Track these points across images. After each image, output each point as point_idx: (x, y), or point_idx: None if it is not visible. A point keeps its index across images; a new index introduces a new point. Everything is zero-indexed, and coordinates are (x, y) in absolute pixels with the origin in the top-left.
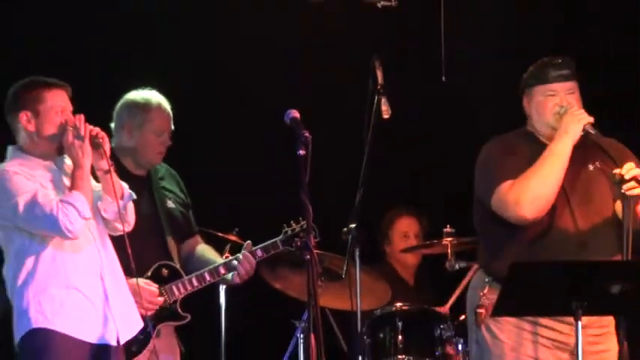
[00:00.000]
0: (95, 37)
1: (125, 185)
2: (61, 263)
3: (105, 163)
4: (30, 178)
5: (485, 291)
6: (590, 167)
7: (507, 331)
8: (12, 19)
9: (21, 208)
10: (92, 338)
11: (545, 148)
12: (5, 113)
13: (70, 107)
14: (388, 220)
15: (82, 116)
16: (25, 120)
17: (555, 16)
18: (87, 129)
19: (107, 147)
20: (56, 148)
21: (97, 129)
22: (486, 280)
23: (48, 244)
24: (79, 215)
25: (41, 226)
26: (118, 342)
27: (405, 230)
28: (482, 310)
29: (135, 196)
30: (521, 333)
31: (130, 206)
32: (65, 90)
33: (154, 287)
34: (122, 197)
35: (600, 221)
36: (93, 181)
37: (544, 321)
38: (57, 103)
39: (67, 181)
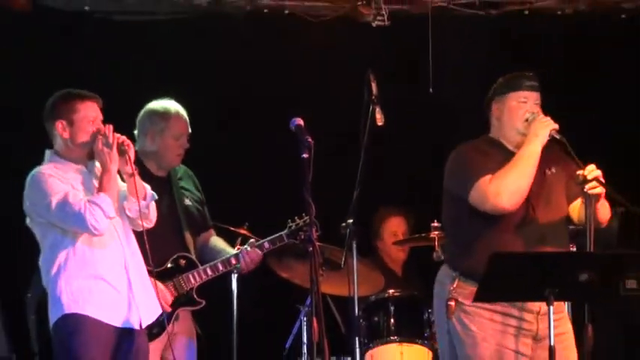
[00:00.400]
0: (111, 51)
1: (148, 187)
2: (89, 257)
3: (129, 168)
4: (63, 180)
5: (455, 285)
6: (548, 172)
7: (477, 322)
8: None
9: (54, 206)
10: (118, 322)
11: (510, 154)
12: (44, 121)
13: (100, 117)
14: (379, 219)
15: (111, 126)
16: (60, 128)
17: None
18: (114, 137)
19: (132, 153)
20: (87, 153)
21: (124, 137)
22: (454, 274)
23: (78, 239)
24: (105, 215)
25: (71, 223)
26: (140, 325)
27: (394, 230)
28: (452, 303)
29: (157, 197)
30: (490, 324)
31: (153, 205)
32: (96, 101)
33: (168, 295)
34: (145, 198)
35: (557, 219)
36: (120, 182)
37: (510, 311)
38: (89, 113)
39: (96, 183)
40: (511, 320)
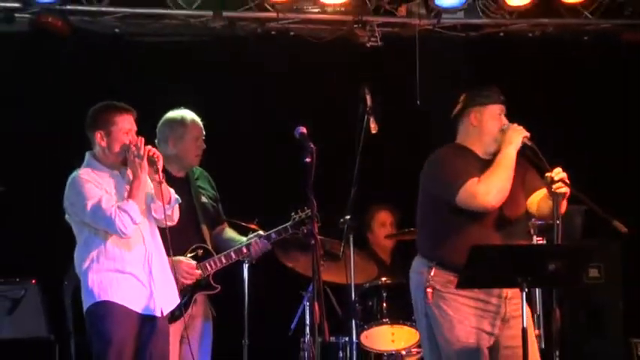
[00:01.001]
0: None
1: (172, 191)
2: (117, 254)
3: (158, 177)
4: (98, 185)
5: (432, 273)
6: None
7: (453, 307)
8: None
9: (88, 209)
10: (141, 310)
11: (481, 161)
12: (85, 128)
13: (134, 128)
14: (369, 214)
15: (142, 139)
16: (99, 137)
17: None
18: (145, 149)
19: (160, 164)
20: (122, 160)
21: (154, 149)
22: (430, 264)
23: (108, 239)
24: (132, 221)
25: (102, 225)
26: (161, 313)
27: (382, 220)
28: (430, 290)
29: (180, 201)
30: (463, 308)
31: (176, 207)
32: (132, 114)
33: (192, 262)
34: (170, 201)
35: (519, 214)
36: (149, 183)
37: (481, 296)
38: (125, 125)
39: (128, 188)
40: (482, 304)
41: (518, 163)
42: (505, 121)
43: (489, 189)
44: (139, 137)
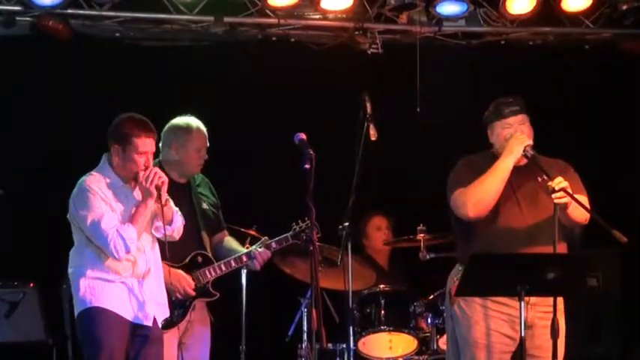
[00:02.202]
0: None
1: (176, 210)
2: (112, 264)
3: (160, 201)
4: (104, 199)
5: (459, 276)
6: (539, 179)
7: (473, 308)
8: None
9: (88, 223)
10: (131, 318)
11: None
12: (107, 136)
13: (152, 150)
14: (363, 220)
15: (156, 169)
16: (115, 150)
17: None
18: (155, 178)
19: (164, 189)
20: (133, 176)
21: (164, 178)
22: (460, 268)
23: (103, 250)
24: (126, 249)
25: (97, 243)
26: (154, 322)
27: (378, 224)
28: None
29: (184, 221)
30: (483, 310)
31: (180, 226)
32: (153, 136)
33: (191, 282)
34: (171, 222)
35: (545, 218)
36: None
37: (502, 300)
38: (142, 148)
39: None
40: (501, 308)
41: (555, 167)
42: (516, 130)
43: (465, 201)
44: (153, 169)
